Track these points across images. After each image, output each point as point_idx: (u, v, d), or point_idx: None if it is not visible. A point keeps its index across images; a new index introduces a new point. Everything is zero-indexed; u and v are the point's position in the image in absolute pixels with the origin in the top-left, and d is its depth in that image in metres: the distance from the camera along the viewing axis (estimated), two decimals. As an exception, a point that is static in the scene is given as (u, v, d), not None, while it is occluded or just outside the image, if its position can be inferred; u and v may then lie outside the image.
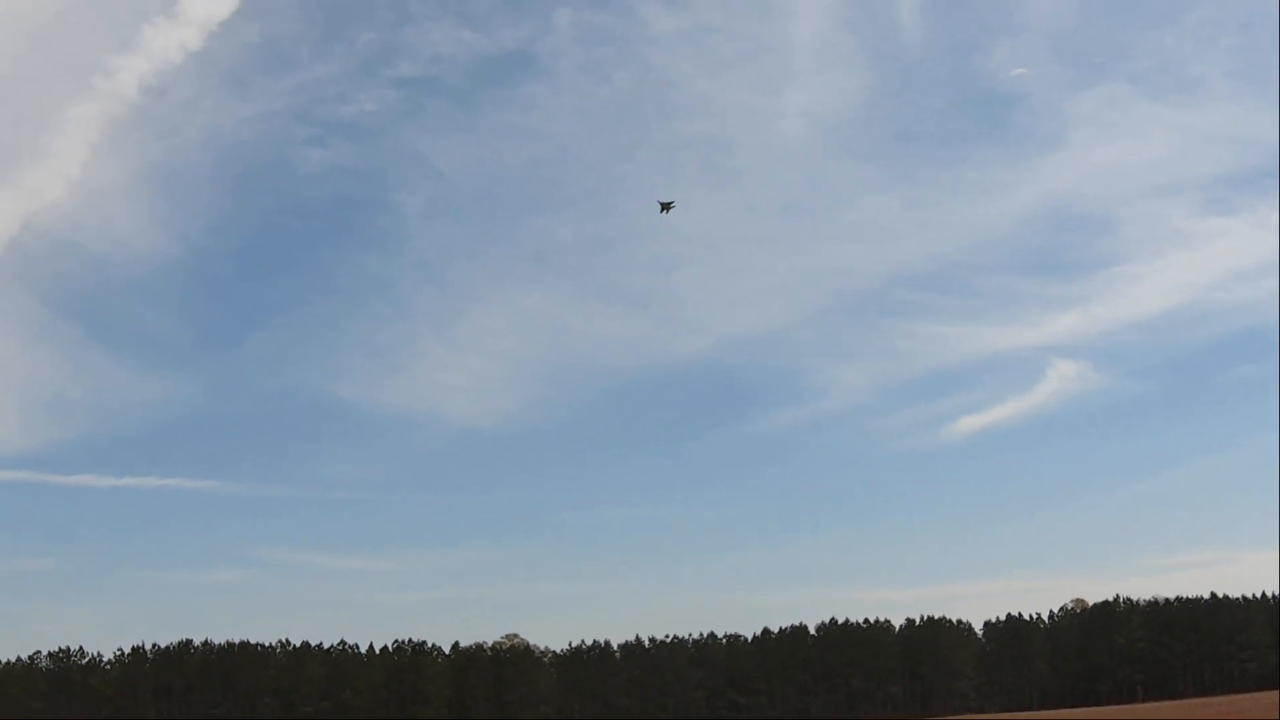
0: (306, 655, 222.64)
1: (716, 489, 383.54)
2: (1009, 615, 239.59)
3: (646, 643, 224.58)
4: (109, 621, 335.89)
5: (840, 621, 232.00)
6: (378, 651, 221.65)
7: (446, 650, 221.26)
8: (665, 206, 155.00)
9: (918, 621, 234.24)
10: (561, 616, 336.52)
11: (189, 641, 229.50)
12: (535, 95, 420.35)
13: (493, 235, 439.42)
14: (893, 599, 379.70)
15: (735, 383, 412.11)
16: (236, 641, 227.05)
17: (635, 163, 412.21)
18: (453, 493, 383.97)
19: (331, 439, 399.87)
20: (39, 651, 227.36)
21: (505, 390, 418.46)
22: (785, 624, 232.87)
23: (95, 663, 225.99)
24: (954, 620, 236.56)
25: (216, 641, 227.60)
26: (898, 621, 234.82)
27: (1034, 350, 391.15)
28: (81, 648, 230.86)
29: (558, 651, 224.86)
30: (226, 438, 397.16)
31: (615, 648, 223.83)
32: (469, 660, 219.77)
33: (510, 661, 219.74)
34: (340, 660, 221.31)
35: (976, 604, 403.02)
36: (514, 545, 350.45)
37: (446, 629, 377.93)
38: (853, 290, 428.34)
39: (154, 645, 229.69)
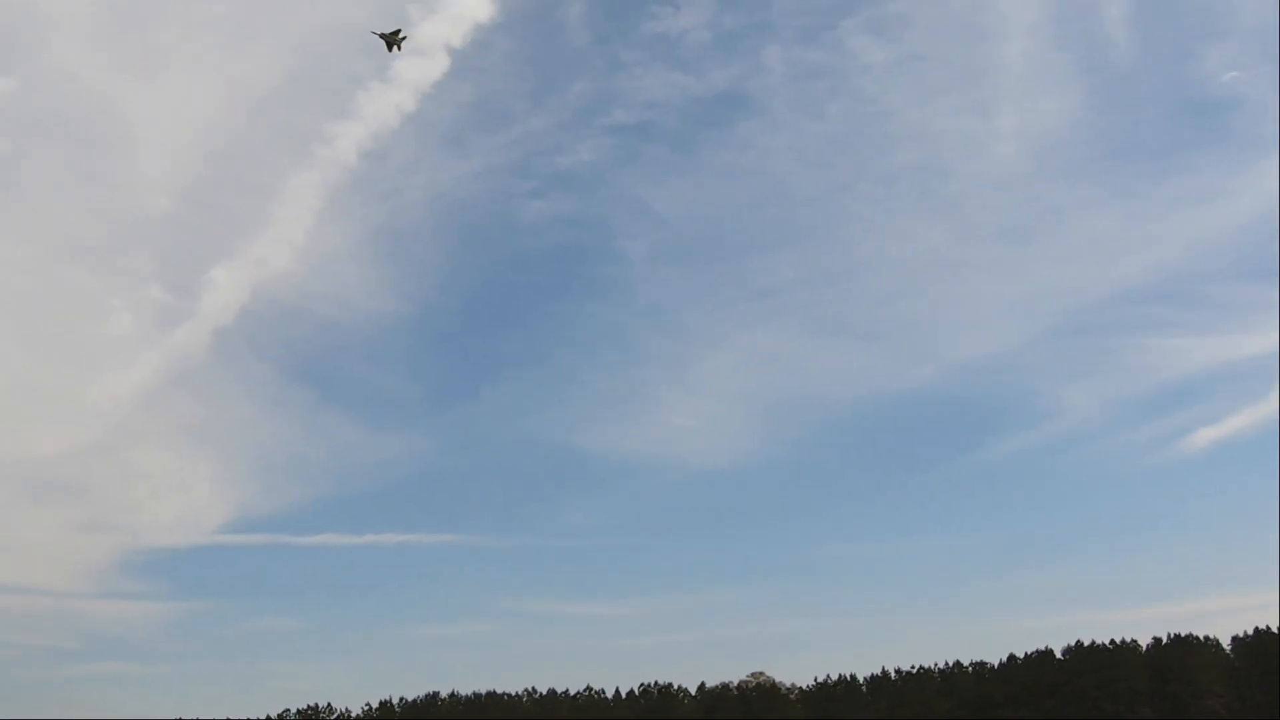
0: (554, 702, 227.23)
1: (951, 518, 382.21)
2: (1257, 629, 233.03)
3: (893, 674, 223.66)
4: (355, 677, 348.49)
5: (1085, 644, 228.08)
6: (624, 695, 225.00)
7: (693, 691, 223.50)
8: (389, 39, 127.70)
9: (1164, 640, 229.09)
10: (806, 652, 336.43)
11: (435, 693, 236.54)
12: (750, 134, 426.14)
13: (717, 276, 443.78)
14: (1137, 618, 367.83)
15: (965, 409, 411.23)
16: (483, 691, 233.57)
17: (853, 195, 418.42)
18: (691, 535, 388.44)
19: (568, 487, 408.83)
20: (288, 709, 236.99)
21: (739, 430, 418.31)
22: (1030, 649, 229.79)
23: (344, 717, 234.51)
24: (1201, 637, 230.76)
25: (463, 692, 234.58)
26: (1144, 641, 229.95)
27: (1267, 357, 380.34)
28: (329, 704, 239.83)
29: (804, 688, 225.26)
30: (462, 491, 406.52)
31: (861, 681, 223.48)
32: (716, 700, 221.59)
33: (757, 700, 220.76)
34: (587, 705, 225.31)
35: (1223, 620, 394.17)
36: (755, 583, 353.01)
37: (692, 670, 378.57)
38: (1078, 309, 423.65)
39: (401, 698, 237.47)
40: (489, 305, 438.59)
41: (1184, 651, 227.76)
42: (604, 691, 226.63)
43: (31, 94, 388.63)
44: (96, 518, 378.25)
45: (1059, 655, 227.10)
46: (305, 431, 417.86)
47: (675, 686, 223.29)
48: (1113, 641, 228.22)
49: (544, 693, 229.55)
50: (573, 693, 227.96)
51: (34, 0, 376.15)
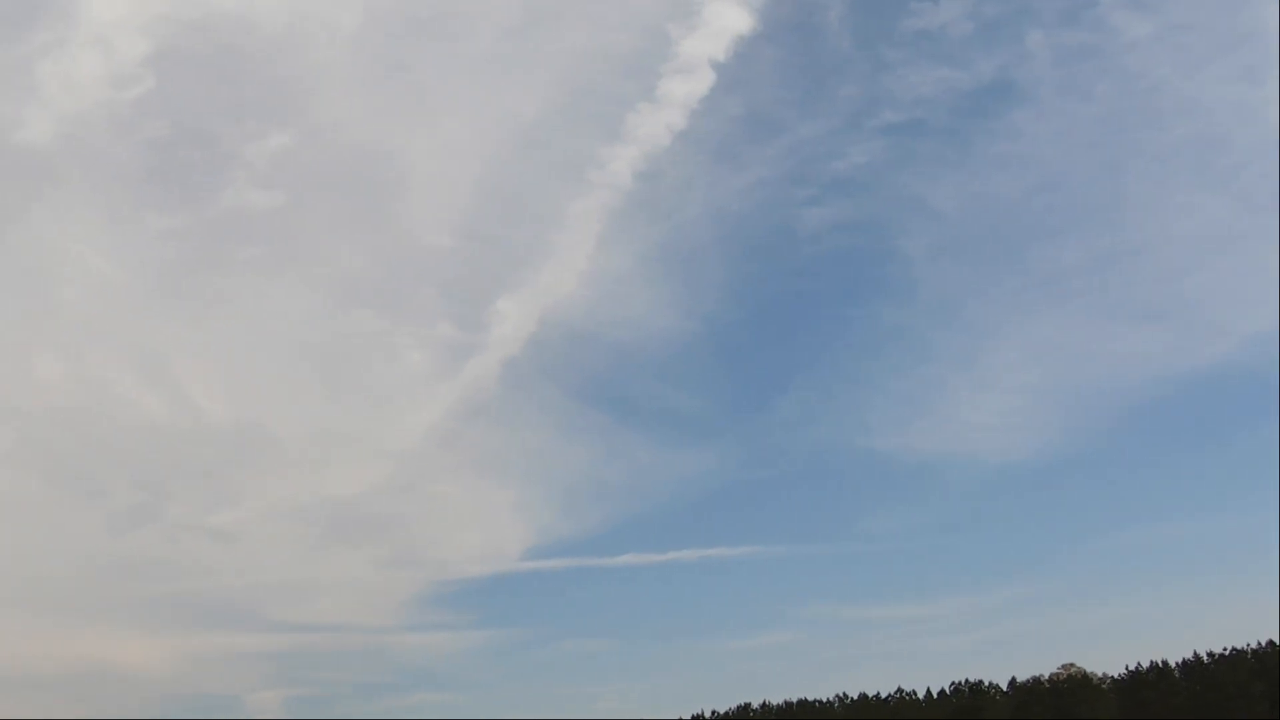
0: (865, 706, 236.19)
1: (1259, 493, 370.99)
2: None
3: (1205, 658, 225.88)
4: (664, 694, 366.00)
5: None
6: (935, 695, 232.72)
7: (1004, 687, 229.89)
8: None
9: None
10: (1115, 641, 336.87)
11: (747, 705, 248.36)
12: (1020, 122, 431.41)
13: (999, 267, 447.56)
14: None
15: (1262, 382, 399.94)
16: (794, 700, 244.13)
17: (1129, 174, 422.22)
18: (992, 531, 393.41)
19: (865, 491, 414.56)
20: None
21: (1031, 422, 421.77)
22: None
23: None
24: None
25: (774, 702, 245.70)
26: None
27: None
28: None
29: (1115, 677, 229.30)
30: (760, 502, 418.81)
31: (1174, 666, 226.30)
32: (1028, 695, 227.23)
33: (1069, 692, 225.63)
34: (899, 707, 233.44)
35: None
36: (1060, 575, 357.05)
37: (1002, 666, 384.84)
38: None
39: (714, 712, 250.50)
40: (774, 315, 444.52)
41: None
42: (915, 693, 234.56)
43: (307, 147, 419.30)
44: (402, 553, 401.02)
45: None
46: (601, 454, 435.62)
47: (986, 683, 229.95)
48: None
49: (855, 698, 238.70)
50: (884, 695, 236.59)
51: (302, 57, 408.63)
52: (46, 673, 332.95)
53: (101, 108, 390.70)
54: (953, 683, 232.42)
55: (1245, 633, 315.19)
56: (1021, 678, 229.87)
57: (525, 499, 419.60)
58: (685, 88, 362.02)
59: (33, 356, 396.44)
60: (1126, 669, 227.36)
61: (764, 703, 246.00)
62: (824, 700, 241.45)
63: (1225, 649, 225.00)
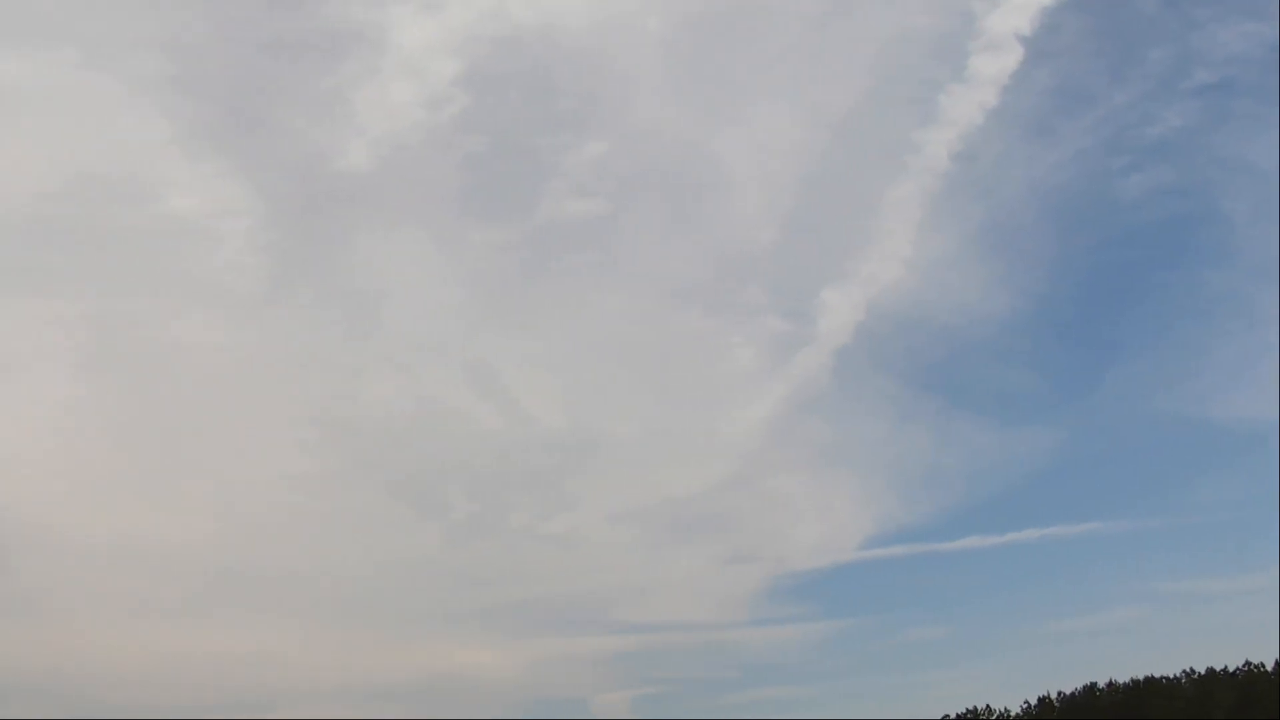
0: (1213, 681, 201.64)
1: None
2: None
3: None
4: (1009, 677, 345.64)
5: None
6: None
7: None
8: None
9: None
10: None
11: (1093, 684, 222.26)
12: None
13: None
14: None
15: None
16: (1140, 678, 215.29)
17: None
18: None
19: (1202, 461, 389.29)
20: (948, 715, 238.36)
21: None
22: None
23: (1004, 717, 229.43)
24: None
25: (1120, 681, 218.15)
26: None
27: None
28: (988, 705, 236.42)
29: None
30: (1098, 479, 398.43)
31: None
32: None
33: None
34: (1247, 681, 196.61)
35: None
36: None
37: None
38: None
39: (1059, 693, 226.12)
40: (1100, 288, 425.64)
41: None
42: (1263, 665, 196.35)
43: (623, 153, 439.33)
44: (741, 548, 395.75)
45: None
46: (936, 439, 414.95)
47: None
48: None
49: (1202, 673, 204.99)
50: (1231, 669, 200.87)
51: (611, 65, 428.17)
52: (399, 682, 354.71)
53: (417, 130, 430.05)
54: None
55: None
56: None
57: (862, 488, 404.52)
58: (995, 65, 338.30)
59: (365, 376, 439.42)
60: None
61: (1110, 682, 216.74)
62: (1171, 677, 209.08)
63: None
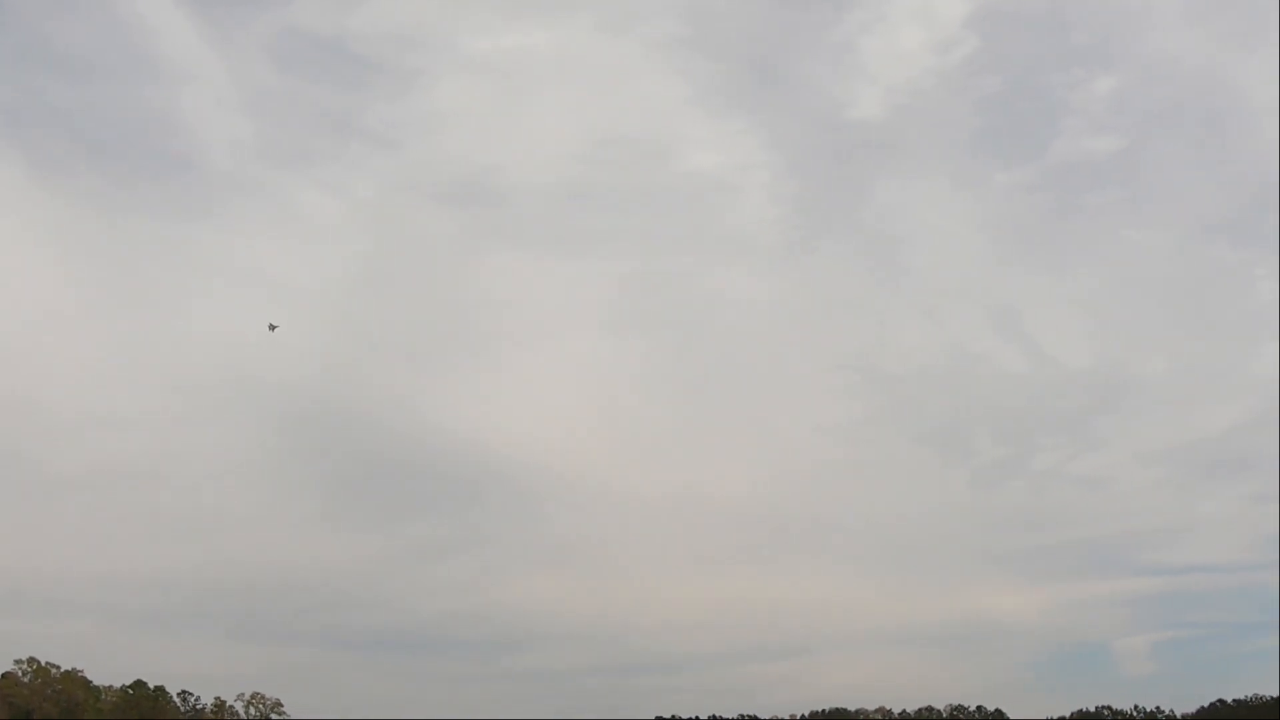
0: None
1: None
2: None
3: None
4: None
5: None
6: None
7: None
8: None
9: None
10: None
11: None
12: None
13: None
14: None
15: None
16: None
17: None
18: None
19: None
20: None
21: None
22: None
23: None
24: None
25: None
26: None
27: None
28: None
29: None
30: None
31: None
32: None
33: None
34: None
35: None
36: None
37: None
38: None
39: None
40: None
41: None
42: None
43: (1139, 87, 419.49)
44: (1269, 487, 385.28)
45: None
46: None
47: None
48: None
49: None
50: None
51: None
52: (928, 625, 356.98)
53: (929, 75, 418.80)
54: None
55: None
56: None
57: None
58: None
59: (891, 323, 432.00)
60: None
61: None
62: None
63: None
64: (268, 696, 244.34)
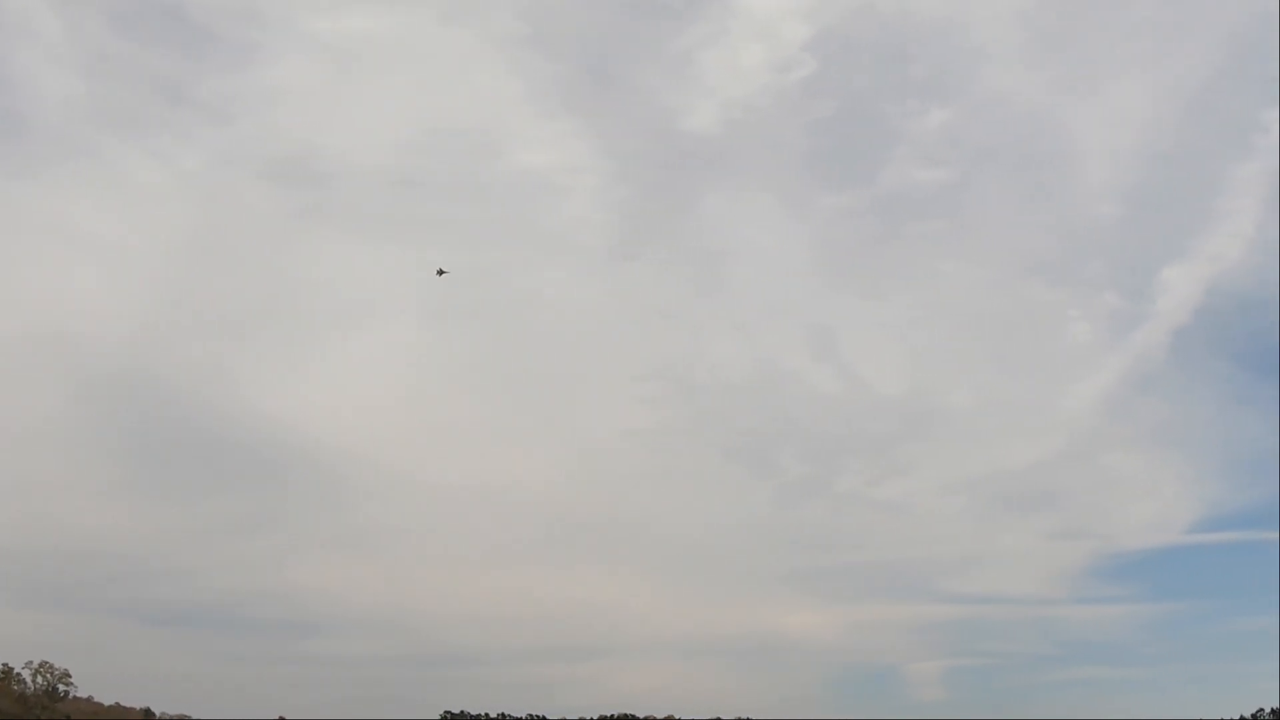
0: None
1: None
2: None
3: None
4: None
5: None
6: None
7: None
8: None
9: None
10: None
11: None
12: None
13: None
14: None
15: None
16: None
17: None
18: None
19: None
20: (1261, 710, 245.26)
21: None
22: None
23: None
24: None
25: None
26: None
27: None
28: None
29: None
30: None
31: None
32: None
33: None
34: None
35: None
36: None
37: None
38: None
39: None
40: None
41: None
42: None
43: (971, 122, 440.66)
44: (1069, 524, 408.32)
45: None
46: (1273, 425, 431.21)
47: None
48: None
49: None
50: None
51: (964, 35, 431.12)
52: (724, 637, 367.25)
53: (765, 93, 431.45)
54: None
55: None
56: None
57: (1194, 470, 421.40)
58: None
59: (707, 335, 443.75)
60: None
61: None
62: None
63: None
64: (56, 666, 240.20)
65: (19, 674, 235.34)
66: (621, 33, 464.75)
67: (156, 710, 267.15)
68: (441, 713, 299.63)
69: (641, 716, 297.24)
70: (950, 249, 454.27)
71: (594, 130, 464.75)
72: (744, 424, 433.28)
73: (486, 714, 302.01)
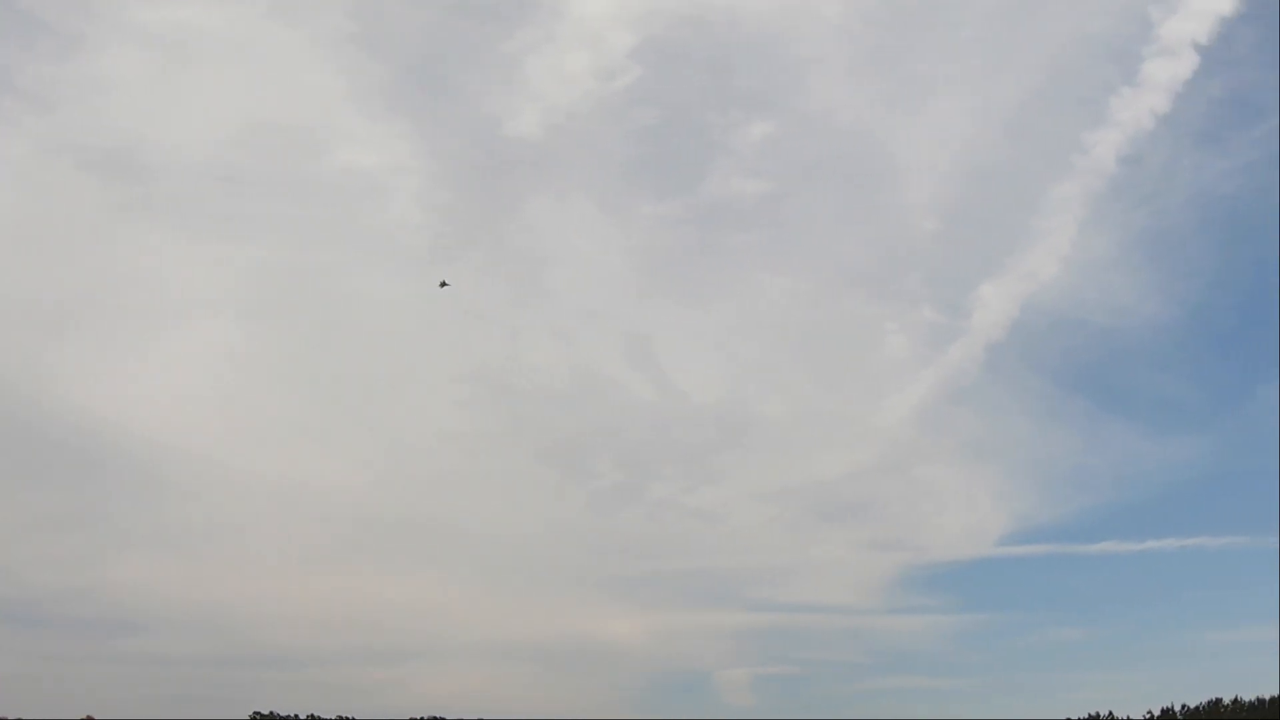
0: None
1: None
2: None
3: None
4: (1138, 685, 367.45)
5: None
6: None
7: None
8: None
9: None
10: None
11: (1218, 699, 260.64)
12: None
13: None
14: None
15: None
16: (1268, 698, 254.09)
17: None
18: None
19: None
20: (1170, 706, 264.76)
21: None
22: None
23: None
24: None
25: (1246, 698, 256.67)
26: None
27: None
28: (1111, 713, 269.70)
29: None
30: (1247, 492, 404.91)
31: None
32: None
33: None
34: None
35: None
36: None
37: None
38: None
39: (1183, 705, 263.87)
40: (1261, 302, 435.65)
41: None
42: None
43: (793, 136, 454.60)
44: (881, 535, 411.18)
45: None
46: (1083, 441, 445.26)
47: None
48: None
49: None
50: None
51: (787, 48, 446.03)
52: (534, 641, 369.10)
53: (589, 99, 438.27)
54: None
55: None
56: None
57: (1006, 484, 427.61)
58: (1168, 71, 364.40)
59: (525, 340, 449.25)
60: None
61: (1235, 698, 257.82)
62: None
63: None
64: None
65: None
66: (450, 35, 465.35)
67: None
68: (251, 713, 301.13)
69: (450, 718, 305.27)
70: (770, 260, 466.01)
71: (418, 131, 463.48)
72: (560, 429, 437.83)
73: (296, 715, 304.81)
